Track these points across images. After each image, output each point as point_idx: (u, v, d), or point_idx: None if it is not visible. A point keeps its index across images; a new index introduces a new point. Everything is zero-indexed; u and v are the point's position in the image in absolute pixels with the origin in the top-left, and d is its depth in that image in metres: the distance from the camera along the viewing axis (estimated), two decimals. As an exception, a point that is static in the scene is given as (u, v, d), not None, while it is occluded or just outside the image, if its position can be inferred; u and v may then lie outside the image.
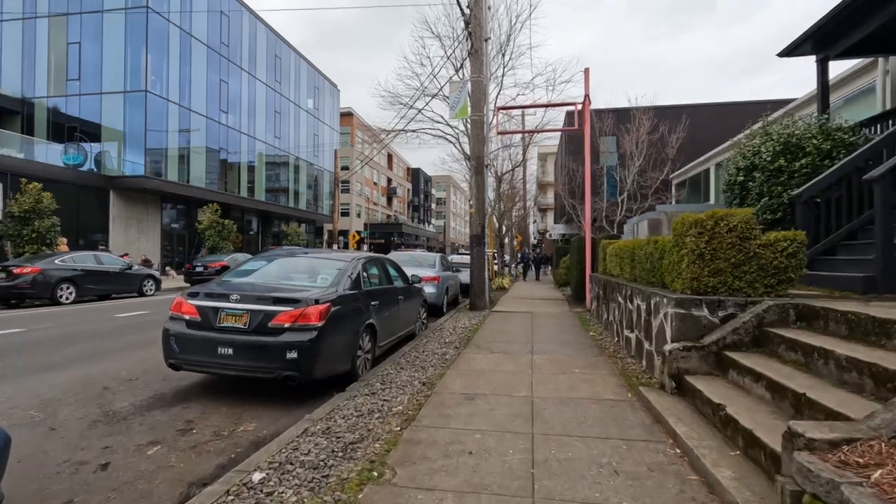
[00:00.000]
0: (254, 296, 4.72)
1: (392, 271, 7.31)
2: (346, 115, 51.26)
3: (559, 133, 35.33)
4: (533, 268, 26.56)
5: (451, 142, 14.74)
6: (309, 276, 5.65)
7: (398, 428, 3.75)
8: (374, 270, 6.62)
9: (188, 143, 25.93)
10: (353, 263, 5.84)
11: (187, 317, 4.73)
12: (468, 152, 15.03)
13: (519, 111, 17.21)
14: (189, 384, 5.17)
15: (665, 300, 4.74)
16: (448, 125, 14.53)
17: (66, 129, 23.15)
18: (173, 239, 27.24)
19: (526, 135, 18.24)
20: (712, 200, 16.10)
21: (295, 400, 4.79)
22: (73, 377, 5.28)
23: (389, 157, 77.22)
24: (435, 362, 6.11)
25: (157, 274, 15.71)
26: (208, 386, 5.15)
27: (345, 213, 55.38)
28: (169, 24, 24.28)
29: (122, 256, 18.46)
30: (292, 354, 4.44)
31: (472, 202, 12.18)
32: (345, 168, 45.82)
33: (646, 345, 5.51)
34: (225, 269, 18.75)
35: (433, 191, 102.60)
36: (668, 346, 4.39)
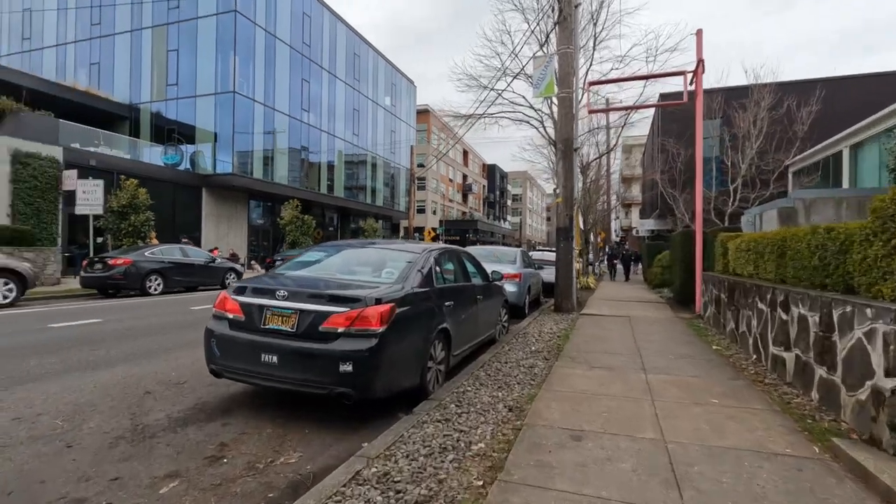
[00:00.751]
0: (305, 292, 3.87)
1: (470, 266, 6.26)
2: (423, 113, 51.21)
3: (650, 120, 32.36)
4: (621, 266, 24.30)
5: (533, 126, 13.45)
6: (373, 269, 4.75)
7: (479, 482, 2.69)
8: (449, 265, 5.61)
9: (272, 142, 26.80)
10: (425, 256, 4.86)
11: (230, 315, 4.01)
12: (552, 136, 13.63)
13: (609, 91, 15.48)
14: (236, 391, 4.49)
15: (870, 312, 3.24)
16: (531, 107, 13.23)
17: (166, 131, 24.77)
18: (259, 234, 28.38)
19: (618, 116, 16.38)
20: (846, 185, 13.34)
21: (352, 419, 3.91)
22: (120, 377, 4.81)
23: (465, 153, 76.72)
24: (522, 377, 4.98)
25: (239, 267, 15.99)
26: (256, 395, 4.43)
27: (420, 210, 55.49)
28: (255, 26, 25.16)
29: (211, 251, 19.29)
30: (346, 367, 3.53)
31: (557, 191, 10.83)
32: (420, 165, 45.81)
33: (821, 372, 3.98)
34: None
35: (509, 187, 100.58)
36: (888, 382, 2.92)
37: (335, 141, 32.72)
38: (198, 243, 21.86)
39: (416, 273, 4.49)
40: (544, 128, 13.43)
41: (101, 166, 18.83)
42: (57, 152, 17.73)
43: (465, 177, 78.60)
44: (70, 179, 17.44)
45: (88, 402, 4.07)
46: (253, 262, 26.04)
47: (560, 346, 6.59)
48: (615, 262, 24.86)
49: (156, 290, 13.00)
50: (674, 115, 18.61)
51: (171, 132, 24.70)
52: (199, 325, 7.90)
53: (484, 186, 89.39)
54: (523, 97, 13.30)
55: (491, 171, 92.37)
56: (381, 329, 3.66)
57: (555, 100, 12.64)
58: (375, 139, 38.15)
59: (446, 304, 4.83)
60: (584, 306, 11.43)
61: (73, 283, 14.56)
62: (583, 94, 11.70)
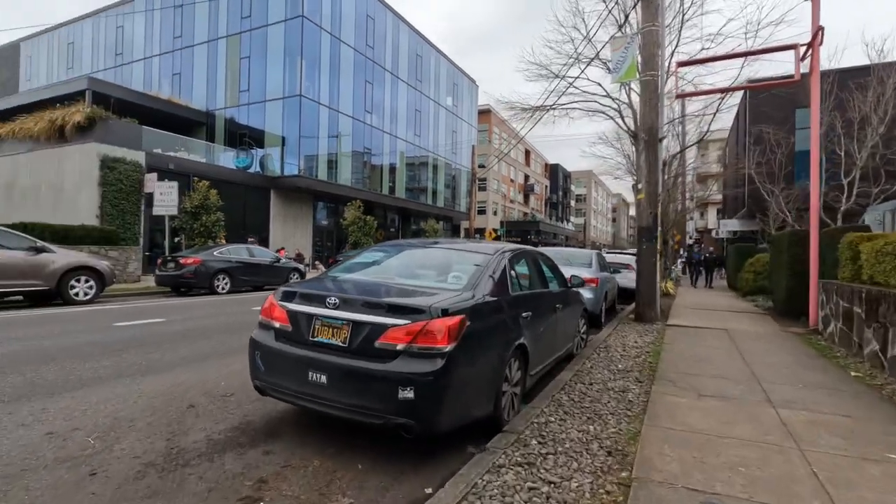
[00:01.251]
0: (359, 300, 3.26)
1: (547, 270, 5.45)
2: (484, 113, 50.46)
3: (732, 112, 29.53)
4: (703, 271, 22.16)
5: (609, 116, 12.29)
6: (438, 273, 4.08)
7: (590, 576, 1.91)
8: (524, 268, 4.84)
9: (336, 145, 27.18)
10: (497, 258, 4.12)
11: (277, 324, 3.48)
12: (631, 127, 12.42)
13: (697, 74, 13.85)
14: (285, 410, 3.98)
15: None
16: (607, 96, 12.10)
17: (238, 135, 25.79)
18: (323, 235, 28.91)
19: (704, 105, 14.73)
20: None
21: (413, 452, 3.26)
22: (167, 386, 4.48)
23: (527, 153, 75.12)
24: (614, 406, 4.13)
25: (302, 267, 16.07)
26: (305, 415, 3.90)
27: (481, 211, 54.79)
28: (321, 30, 25.61)
29: (278, 251, 19.72)
30: (407, 393, 2.88)
31: (639, 186, 9.69)
32: (481, 166, 45.10)
33: None
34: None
35: (572, 187, 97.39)
36: None
37: (397, 142, 32.77)
38: (265, 243, 22.49)
39: (487, 278, 3.77)
40: (622, 118, 12.24)
41: (178, 170, 19.77)
42: (140, 157, 18.79)
43: (526, 177, 76.99)
44: (150, 182, 18.34)
45: (128, 415, 3.71)
46: (317, 262, 26.52)
47: (653, 365, 5.61)
48: (698, 266, 22.76)
49: (223, 289, 13.22)
50: (769, 100, 16.54)
51: (242, 136, 25.68)
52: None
53: (546, 187, 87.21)
54: (599, 84, 12.19)
55: (553, 170, 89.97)
56: (448, 347, 2.97)
57: (634, 86, 11.46)
58: (437, 140, 37.92)
59: (523, 314, 4.06)
60: (668, 316, 10.19)
61: (151, 281, 15.25)
62: (667, 79, 10.47)
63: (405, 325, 2.99)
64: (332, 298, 3.26)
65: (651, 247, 9.27)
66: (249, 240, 19.05)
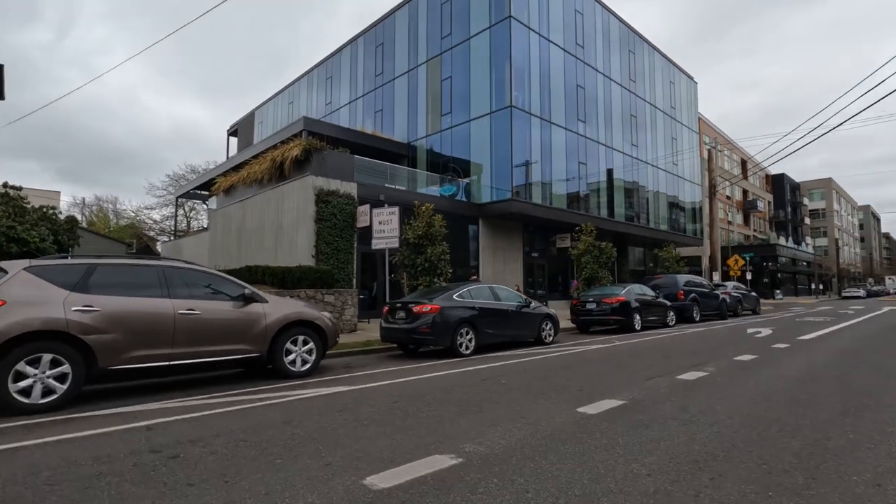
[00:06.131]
0: None
1: None
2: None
3: None
4: None
5: None
6: None
7: None
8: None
9: (549, 162, 22.86)
10: None
11: None
12: None
13: None
14: None
15: None
16: None
17: (441, 162, 23.35)
18: (533, 269, 24.51)
19: None
20: None
21: None
22: None
23: (743, 163, 61.73)
24: None
25: (554, 313, 11.42)
26: None
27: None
28: (529, 31, 22.04)
29: (471, 278, 15.78)
30: None
31: None
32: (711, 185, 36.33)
33: None
34: (624, 305, 13.48)
35: (805, 200, 77.40)
36: None
37: (613, 154, 27.20)
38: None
39: None
40: None
41: (388, 201, 17.43)
42: (352, 188, 16.88)
43: (745, 192, 63.33)
44: (364, 216, 16.08)
45: None
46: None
47: None
48: None
49: (467, 347, 9.18)
50: None
51: (446, 163, 23.15)
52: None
53: (769, 203, 71.01)
54: None
55: (777, 182, 73.26)
56: None
57: None
58: (655, 149, 31.19)
59: None
60: None
61: (370, 332, 12.31)
62: None
63: None
64: None
65: None
66: (472, 278, 15.32)
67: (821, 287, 66.93)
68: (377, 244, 12.19)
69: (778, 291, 49.36)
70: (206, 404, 5.21)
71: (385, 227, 11.95)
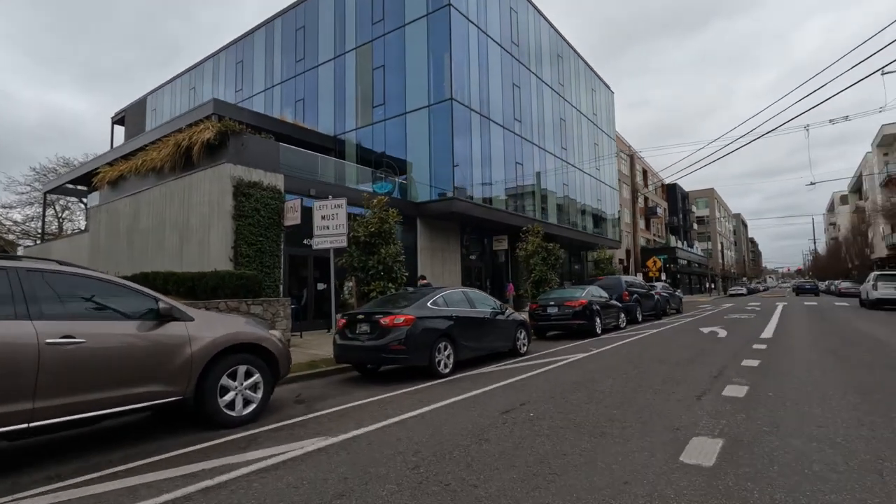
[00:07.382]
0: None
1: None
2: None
3: None
4: None
5: None
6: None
7: None
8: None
9: (489, 162, 21.91)
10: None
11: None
12: None
13: None
14: None
15: None
16: None
17: (373, 157, 21.43)
18: (471, 272, 23.39)
19: None
20: None
21: None
22: None
23: (644, 173, 66.55)
24: None
25: (526, 319, 10.17)
26: None
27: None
28: (468, 22, 20.98)
29: (420, 280, 14.30)
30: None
31: None
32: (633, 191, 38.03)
33: None
34: (586, 308, 12.73)
35: (693, 208, 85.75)
36: None
37: (546, 156, 27.06)
38: (412, 284, 17.21)
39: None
40: None
41: (320, 195, 15.24)
42: (278, 181, 14.46)
43: (646, 199, 68.24)
44: (294, 212, 13.83)
45: None
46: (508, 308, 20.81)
47: None
48: None
49: (446, 366, 7.56)
50: None
51: (378, 159, 21.27)
52: None
53: (665, 209, 77.42)
54: None
55: (671, 191, 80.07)
56: None
57: None
58: (581, 154, 31.80)
59: None
60: None
61: (305, 346, 10.18)
62: None
63: None
64: None
65: None
66: (423, 281, 13.70)
67: (711, 286, 74.00)
68: (320, 243, 10.10)
69: (678, 290, 53.54)
70: None
71: (330, 224, 9.94)
